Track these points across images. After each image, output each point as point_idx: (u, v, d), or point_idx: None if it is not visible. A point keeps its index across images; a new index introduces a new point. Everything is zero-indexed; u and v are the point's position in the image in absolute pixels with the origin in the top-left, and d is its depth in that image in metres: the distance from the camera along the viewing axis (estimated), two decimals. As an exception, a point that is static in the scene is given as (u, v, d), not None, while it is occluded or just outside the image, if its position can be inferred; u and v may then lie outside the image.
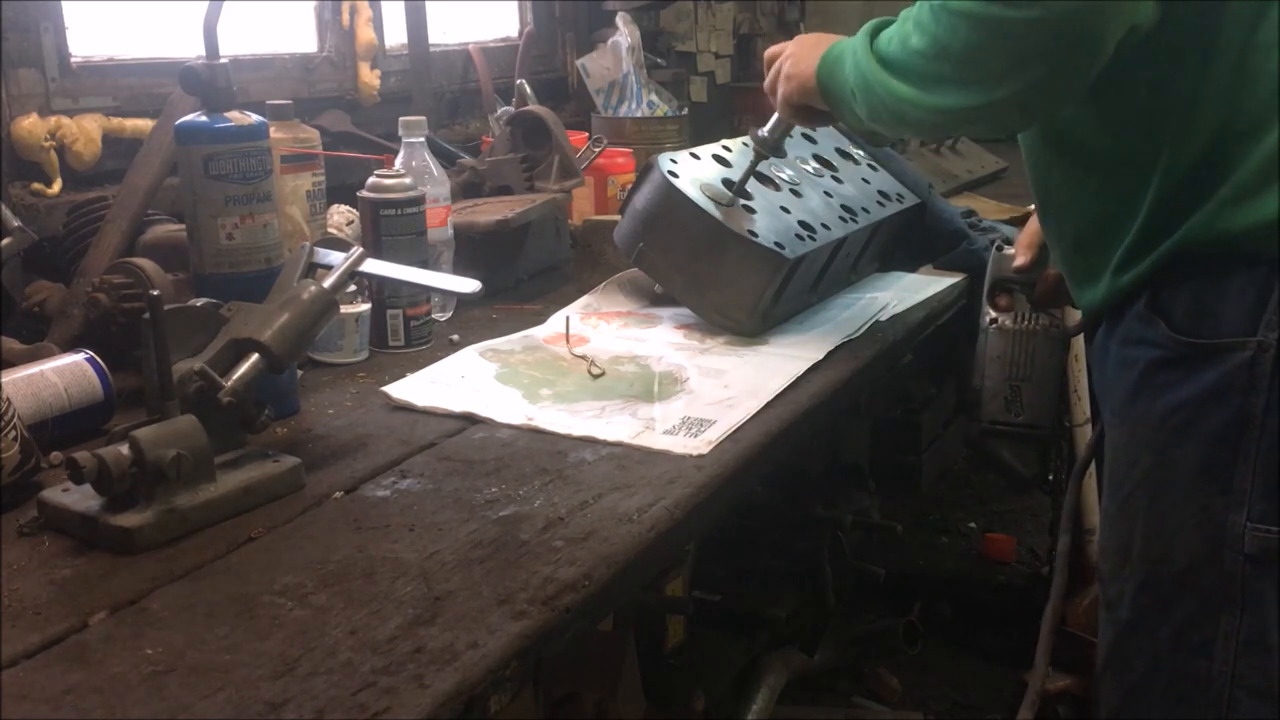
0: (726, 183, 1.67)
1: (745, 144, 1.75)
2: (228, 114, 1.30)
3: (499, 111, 2.28)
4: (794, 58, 1.45)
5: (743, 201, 1.64)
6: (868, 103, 1.26)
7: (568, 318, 1.66)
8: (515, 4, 2.84)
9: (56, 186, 1.69)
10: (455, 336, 1.64)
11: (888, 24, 1.25)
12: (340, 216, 1.80)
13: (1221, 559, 1.11)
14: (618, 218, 1.71)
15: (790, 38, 1.51)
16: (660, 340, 1.60)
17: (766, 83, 1.53)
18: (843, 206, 1.81)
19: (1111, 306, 1.21)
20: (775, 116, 1.59)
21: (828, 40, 1.40)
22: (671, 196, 1.59)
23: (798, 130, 1.93)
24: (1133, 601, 1.19)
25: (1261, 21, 1.08)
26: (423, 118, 1.77)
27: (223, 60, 1.30)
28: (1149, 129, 1.13)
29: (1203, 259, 1.10)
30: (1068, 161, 1.24)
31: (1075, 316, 1.60)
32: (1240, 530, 1.10)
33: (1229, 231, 1.08)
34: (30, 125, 1.65)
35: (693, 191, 1.60)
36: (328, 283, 1.23)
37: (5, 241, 1.42)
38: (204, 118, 1.30)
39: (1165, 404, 1.14)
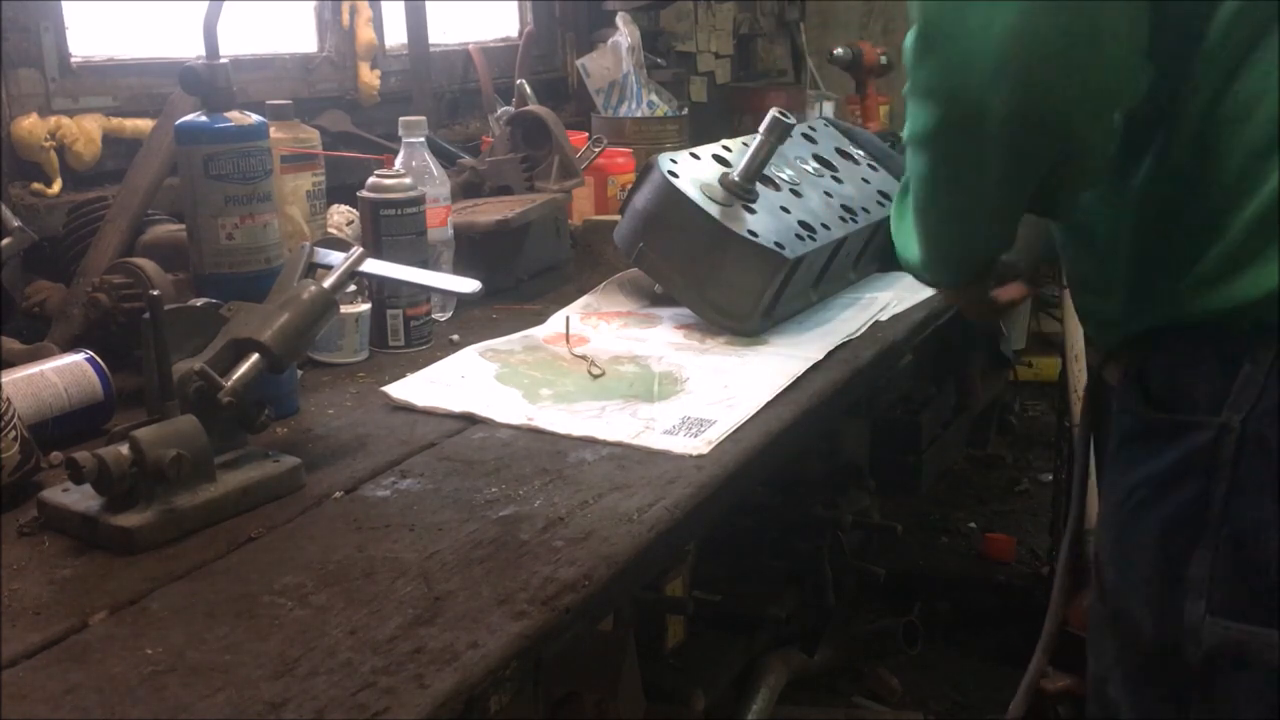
0: (733, 182, 1.67)
1: (745, 144, 1.75)
2: (228, 114, 1.30)
3: (499, 111, 2.28)
4: None
5: (743, 201, 1.64)
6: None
7: (568, 318, 1.66)
8: (515, 4, 2.84)
9: (56, 186, 1.69)
10: (455, 336, 1.64)
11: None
12: (340, 216, 1.80)
13: (1182, 650, 1.03)
14: (618, 218, 1.71)
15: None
16: (660, 340, 1.60)
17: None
18: (843, 206, 1.81)
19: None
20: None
21: None
22: (671, 196, 1.59)
23: (798, 130, 1.94)
24: (1114, 677, 1.13)
25: (1223, 95, 0.97)
26: (423, 118, 1.77)
27: (223, 60, 1.30)
28: (1112, 212, 1.07)
29: (1176, 334, 1.04)
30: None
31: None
32: (1198, 622, 1.01)
33: (1199, 313, 1.01)
34: (30, 125, 1.65)
35: (693, 191, 1.60)
36: (328, 283, 1.23)
37: (5, 241, 1.42)
38: (204, 118, 1.30)
39: (1131, 479, 1.08)
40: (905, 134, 1.07)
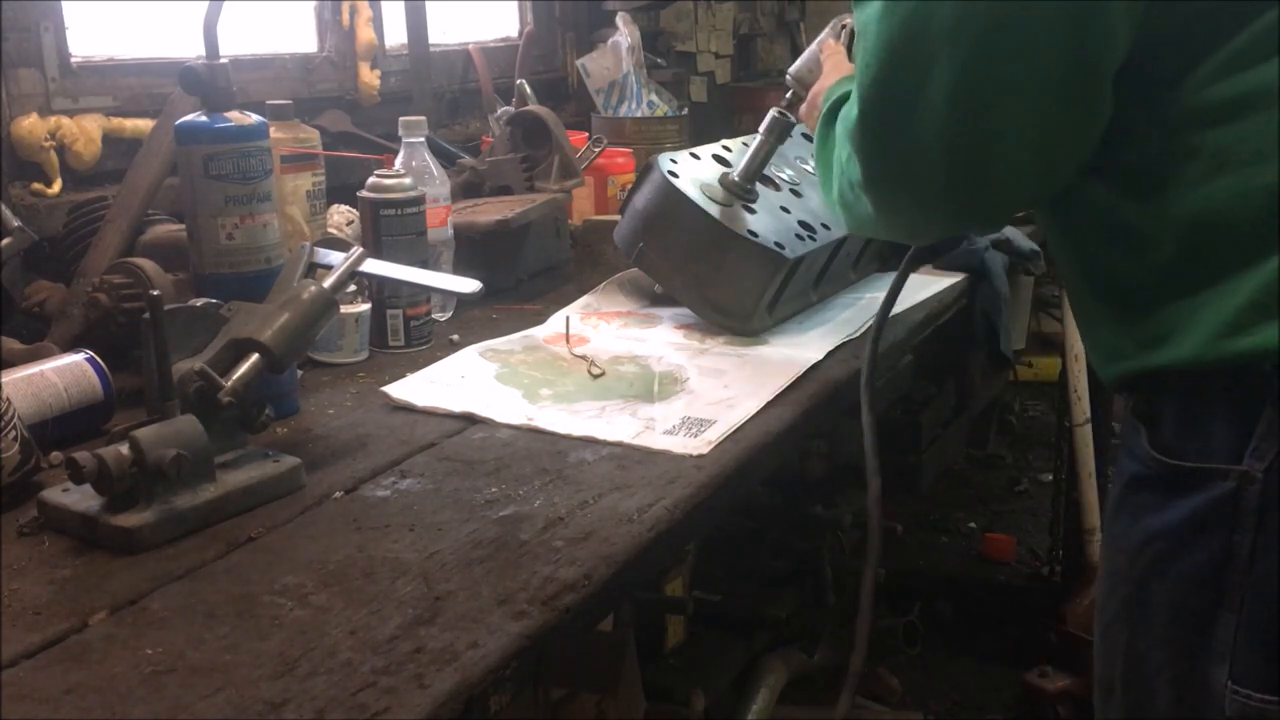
0: (733, 182, 1.67)
1: (745, 144, 1.75)
2: (228, 114, 1.30)
3: (499, 111, 2.28)
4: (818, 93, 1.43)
5: (743, 201, 1.64)
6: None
7: (568, 318, 1.66)
8: (515, 4, 2.84)
9: (56, 186, 1.69)
10: (455, 336, 1.64)
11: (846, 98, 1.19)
12: (340, 216, 1.80)
13: None
14: (618, 218, 1.71)
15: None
16: (660, 340, 1.60)
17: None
18: (843, 206, 1.81)
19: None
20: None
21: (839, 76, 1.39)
22: (671, 196, 1.59)
23: (798, 130, 1.94)
24: None
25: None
26: (423, 118, 1.77)
27: (223, 60, 1.30)
28: (1126, 247, 1.02)
29: (1189, 375, 0.96)
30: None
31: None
32: (1221, 691, 0.93)
33: (1216, 358, 0.93)
34: (30, 125, 1.65)
35: (693, 191, 1.60)
36: (328, 283, 1.23)
37: (5, 241, 1.42)
38: (204, 118, 1.30)
39: (1143, 530, 1.00)
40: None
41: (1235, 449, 0.92)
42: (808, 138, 1.97)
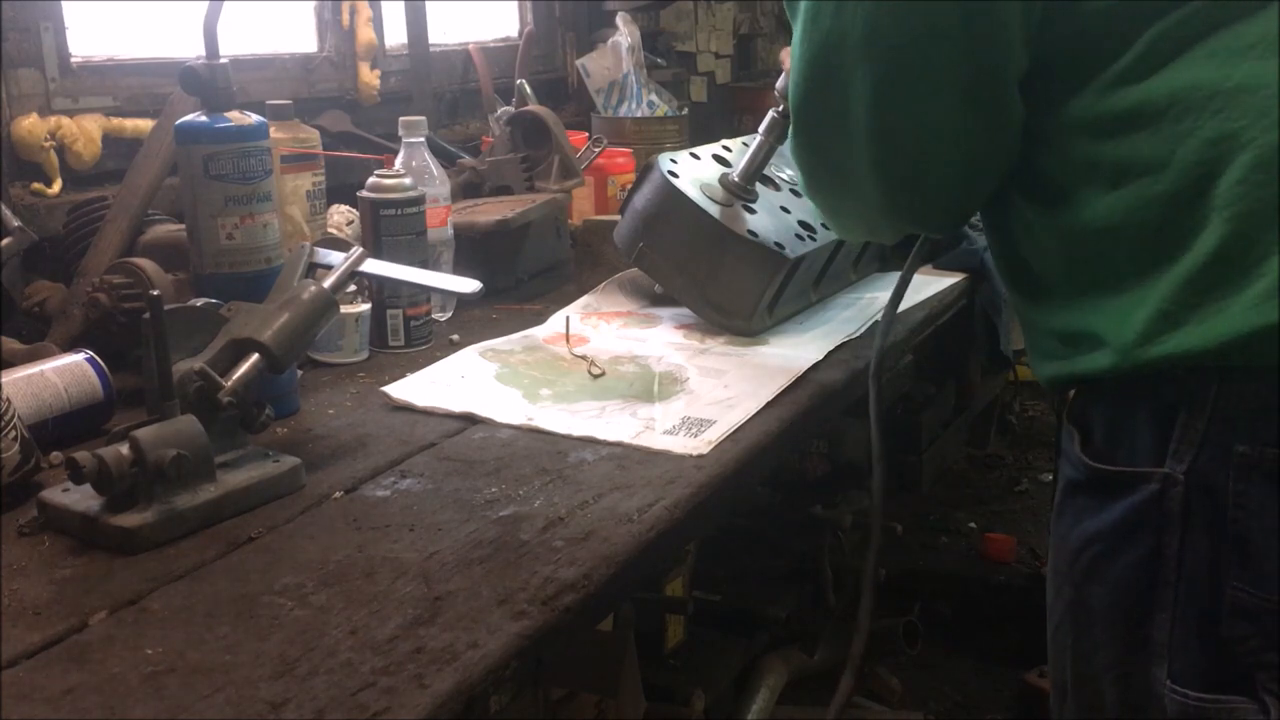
0: (733, 182, 1.67)
1: (745, 144, 1.75)
2: (228, 114, 1.30)
3: (499, 111, 2.28)
4: None
5: (743, 201, 1.64)
6: None
7: (568, 318, 1.66)
8: (515, 4, 2.84)
9: (56, 186, 1.69)
10: (455, 336, 1.64)
11: None
12: (340, 216, 1.80)
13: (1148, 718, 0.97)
14: (618, 218, 1.71)
15: (790, 38, 1.51)
16: (660, 340, 1.60)
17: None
18: (843, 206, 1.81)
19: None
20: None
21: None
22: (671, 196, 1.59)
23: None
24: None
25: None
26: (423, 118, 1.77)
27: (223, 60, 1.30)
28: (1044, 248, 1.03)
29: (1112, 380, 0.98)
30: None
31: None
32: (1162, 691, 0.94)
33: (1133, 364, 0.94)
34: (30, 125, 1.65)
35: (693, 191, 1.60)
36: (328, 283, 1.23)
37: (5, 241, 1.42)
38: (204, 118, 1.30)
39: (1080, 534, 1.01)
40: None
41: (1158, 452, 0.93)
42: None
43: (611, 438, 1.25)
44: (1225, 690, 0.92)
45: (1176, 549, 0.93)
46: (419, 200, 1.61)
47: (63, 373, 1.25)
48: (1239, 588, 0.90)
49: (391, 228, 1.58)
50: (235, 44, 1.98)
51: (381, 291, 1.57)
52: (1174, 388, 0.92)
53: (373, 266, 1.34)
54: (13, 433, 1.10)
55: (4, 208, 1.45)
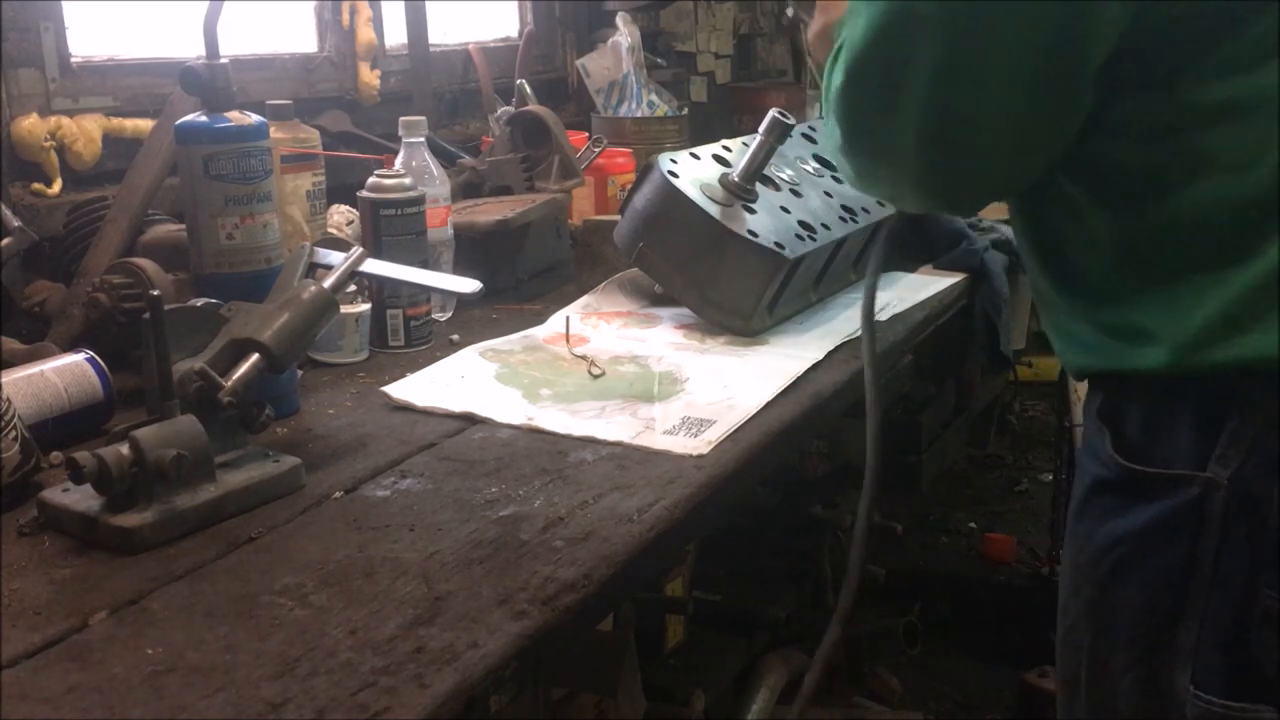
0: (733, 182, 1.67)
1: (745, 144, 1.75)
2: (228, 114, 1.30)
3: (499, 111, 2.28)
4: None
5: (743, 201, 1.64)
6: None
7: (568, 318, 1.66)
8: (515, 4, 2.84)
9: (56, 186, 1.69)
10: (455, 336, 1.64)
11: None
12: (340, 216, 1.80)
13: None
14: (618, 218, 1.71)
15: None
16: (660, 340, 1.60)
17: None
18: (843, 206, 1.81)
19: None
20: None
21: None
22: (671, 196, 1.59)
23: (798, 130, 1.94)
24: None
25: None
26: (423, 118, 1.77)
27: (223, 60, 1.30)
28: (1093, 246, 1.01)
29: (1153, 381, 0.96)
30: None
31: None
32: (1184, 695, 0.94)
33: (1184, 368, 0.93)
34: (30, 125, 1.65)
35: (693, 191, 1.60)
36: (328, 283, 1.23)
37: (5, 241, 1.42)
38: (204, 118, 1.30)
39: (1107, 534, 0.99)
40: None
41: (1200, 455, 0.92)
42: (808, 138, 1.97)
43: (611, 438, 1.25)
44: (1251, 698, 0.91)
45: (1213, 555, 0.92)
46: (419, 200, 1.61)
47: (63, 373, 1.25)
48: (1274, 597, 0.89)
49: (391, 228, 1.58)
50: (235, 44, 1.98)
51: (381, 291, 1.57)
52: (1222, 391, 0.90)
53: (373, 266, 1.34)
54: (13, 433, 1.10)
55: (4, 208, 1.45)
